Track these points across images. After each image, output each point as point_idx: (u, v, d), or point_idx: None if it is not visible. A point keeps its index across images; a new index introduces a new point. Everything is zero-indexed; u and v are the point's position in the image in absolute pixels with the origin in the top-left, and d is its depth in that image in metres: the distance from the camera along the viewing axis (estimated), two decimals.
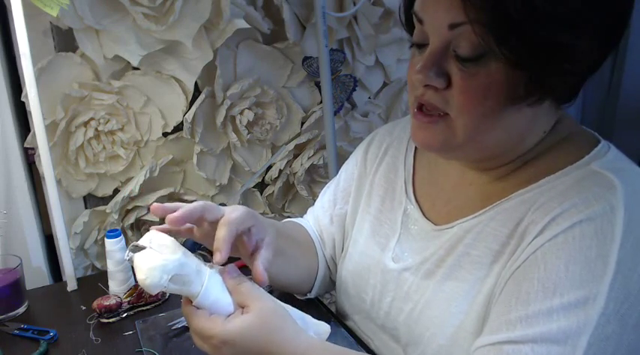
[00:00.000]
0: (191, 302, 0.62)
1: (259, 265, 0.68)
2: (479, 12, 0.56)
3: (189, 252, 0.62)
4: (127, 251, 0.60)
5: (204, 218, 0.67)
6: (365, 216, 0.85)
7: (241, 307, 0.63)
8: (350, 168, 0.91)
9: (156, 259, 0.58)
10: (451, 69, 0.61)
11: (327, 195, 0.94)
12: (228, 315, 0.62)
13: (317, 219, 0.94)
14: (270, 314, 0.62)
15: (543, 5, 0.54)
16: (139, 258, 0.58)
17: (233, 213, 0.67)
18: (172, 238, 0.62)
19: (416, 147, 0.83)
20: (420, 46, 0.64)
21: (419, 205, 0.78)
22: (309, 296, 0.92)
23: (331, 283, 0.95)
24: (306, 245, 0.91)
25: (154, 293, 0.59)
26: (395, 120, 0.93)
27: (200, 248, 1.03)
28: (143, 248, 0.60)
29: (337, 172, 0.95)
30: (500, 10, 0.54)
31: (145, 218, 1.32)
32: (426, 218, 0.76)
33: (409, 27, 0.70)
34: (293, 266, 0.86)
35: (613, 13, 0.58)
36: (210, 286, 0.61)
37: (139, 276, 0.58)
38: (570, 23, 0.56)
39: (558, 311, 0.55)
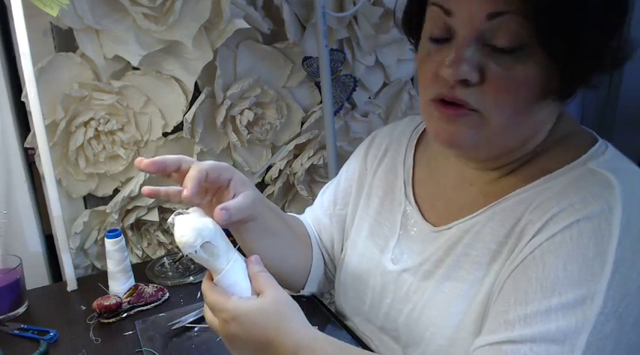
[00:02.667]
0: (211, 279, 0.64)
1: (221, 205, 0.66)
2: (525, 2, 0.55)
3: (224, 234, 0.64)
4: (172, 216, 0.63)
5: (181, 169, 0.68)
6: (364, 217, 0.85)
7: (257, 294, 0.63)
8: (351, 168, 0.91)
9: (196, 222, 0.61)
10: (485, 62, 0.59)
11: (326, 195, 0.93)
12: None
13: (316, 218, 0.93)
14: (283, 303, 0.63)
15: (592, 1, 0.54)
16: (180, 219, 0.62)
17: (211, 161, 0.69)
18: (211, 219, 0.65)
19: (416, 149, 0.83)
20: (440, 41, 0.62)
21: (418, 206, 0.78)
22: (302, 292, 0.91)
23: (327, 282, 0.94)
24: (301, 236, 0.91)
25: (186, 252, 0.60)
26: (395, 122, 0.93)
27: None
28: (186, 214, 0.63)
29: (337, 172, 0.95)
30: (549, 2, 0.54)
31: (145, 218, 1.32)
32: (425, 219, 0.76)
33: (411, 22, 0.69)
34: (285, 251, 0.84)
35: (625, 7, 0.59)
36: (234, 267, 0.63)
37: (178, 233, 0.60)
38: (610, 18, 0.56)
39: (557, 310, 0.55)
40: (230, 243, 0.64)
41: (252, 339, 0.61)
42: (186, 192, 0.64)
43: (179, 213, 0.63)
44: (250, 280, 0.64)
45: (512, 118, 0.61)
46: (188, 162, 0.69)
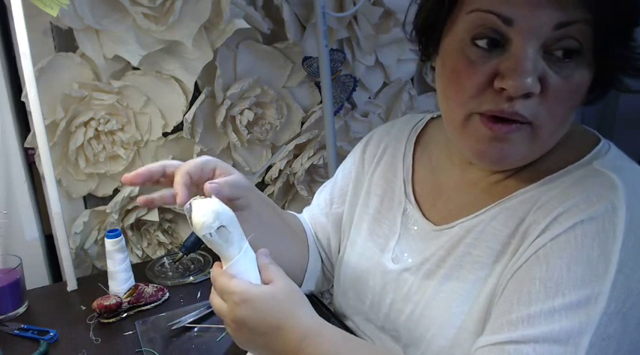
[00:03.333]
0: (221, 268, 0.64)
1: (209, 181, 0.67)
2: (591, 11, 0.54)
3: (238, 223, 0.65)
4: (190, 200, 0.63)
5: (167, 174, 0.70)
6: (363, 217, 0.85)
7: (266, 284, 0.64)
8: (347, 167, 0.91)
9: (216, 205, 0.62)
10: (546, 72, 0.57)
11: (323, 194, 0.93)
12: None
13: (312, 217, 0.93)
14: (293, 291, 0.64)
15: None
16: (200, 202, 0.62)
17: (191, 160, 0.70)
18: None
19: (415, 147, 0.83)
20: (487, 49, 0.59)
21: (418, 205, 0.78)
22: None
23: (326, 281, 0.94)
24: (298, 232, 0.90)
25: (201, 233, 0.61)
26: (393, 120, 0.93)
27: (200, 247, 1.03)
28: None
29: None
30: (618, 10, 0.54)
31: (145, 218, 1.32)
32: (426, 218, 0.76)
33: (432, 30, 0.65)
34: (281, 245, 0.84)
35: None
36: (245, 257, 0.64)
37: (197, 214, 0.61)
38: None
39: (560, 311, 0.55)
40: (243, 233, 0.65)
41: (262, 323, 0.61)
42: (179, 200, 0.65)
43: (197, 198, 0.64)
44: (260, 271, 0.65)
45: (559, 126, 0.61)
46: (172, 167, 0.70)
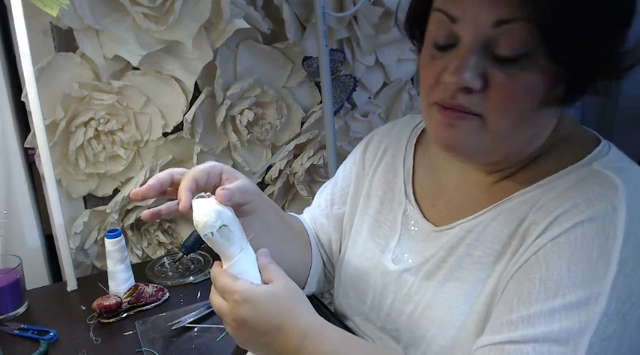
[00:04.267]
0: (221, 267, 0.65)
1: (221, 187, 0.68)
2: (531, 9, 0.55)
3: (239, 222, 0.65)
4: (193, 199, 0.64)
5: (174, 182, 0.70)
6: (363, 217, 0.85)
7: (266, 283, 0.64)
8: (348, 168, 0.91)
9: (217, 205, 0.63)
10: (488, 69, 0.59)
11: (324, 195, 0.93)
12: None
13: (313, 218, 0.93)
14: (294, 291, 0.64)
15: (601, 7, 0.54)
16: (201, 201, 0.63)
17: (197, 166, 0.71)
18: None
19: (415, 147, 0.83)
20: (444, 46, 0.62)
21: (419, 206, 0.78)
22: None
23: (327, 282, 0.94)
24: (300, 234, 0.91)
25: (203, 233, 0.62)
26: (393, 121, 0.93)
27: (200, 247, 1.03)
28: (207, 197, 0.65)
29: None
30: (555, 10, 0.54)
31: None
32: (426, 218, 0.76)
33: (414, 25, 0.69)
34: (284, 248, 0.84)
35: (630, 13, 0.59)
36: (246, 256, 0.64)
37: (199, 213, 0.62)
38: (617, 25, 0.56)
39: (560, 311, 0.55)
40: (244, 233, 0.65)
41: (263, 322, 0.61)
42: (181, 206, 0.65)
43: (200, 196, 0.64)
44: (260, 270, 0.65)
45: (514, 125, 0.61)
46: (179, 174, 0.71)
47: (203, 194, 0.65)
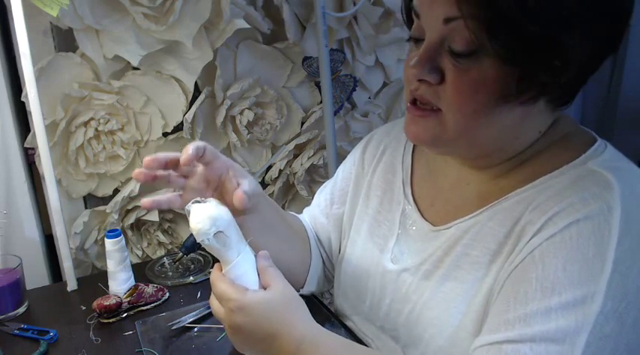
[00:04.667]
0: (221, 270, 0.65)
1: (240, 189, 0.69)
2: (472, 7, 0.56)
3: (237, 226, 0.65)
4: (189, 203, 0.64)
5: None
6: (363, 217, 0.85)
7: (264, 288, 0.65)
8: (347, 168, 0.91)
9: (212, 211, 0.62)
10: (445, 64, 0.61)
11: (323, 195, 0.93)
12: None
13: (313, 217, 0.93)
14: (290, 297, 0.64)
15: (535, 2, 0.54)
16: (197, 207, 0.63)
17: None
18: (227, 209, 0.66)
19: (414, 147, 0.83)
20: (417, 40, 0.65)
21: (417, 205, 0.78)
22: (301, 292, 0.91)
23: (326, 282, 0.94)
24: (300, 233, 0.91)
25: (199, 239, 0.62)
26: (393, 121, 0.93)
27: (200, 247, 1.03)
28: (204, 202, 0.65)
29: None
30: (492, 6, 0.55)
31: (145, 218, 1.32)
32: (424, 218, 0.76)
33: (409, 22, 0.69)
34: (284, 247, 0.84)
35: (609, 13, 0.58)
36: (244, 260, 0.65)
37: (193, 220, 0.62)
38: (562, 21, 0.56)
39: (557, 310, 0.55)
40: (242, 236, 0.66)
41: (258, 330, 0.62)
42: (185, 155, 0.65)
43: (196, 201, 0.64)
44: (258, 274, 0.65)
45: (471, 119, 0.62)
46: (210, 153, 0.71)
47: (199, 199, 0.65)
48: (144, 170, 0.69)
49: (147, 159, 0.68)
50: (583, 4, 0.56)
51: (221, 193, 0.73)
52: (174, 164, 0.70)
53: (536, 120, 0.65)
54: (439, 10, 0.59)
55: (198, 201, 0.64)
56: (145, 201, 0.70)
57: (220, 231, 0.62)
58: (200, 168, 0.72)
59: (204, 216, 0.61)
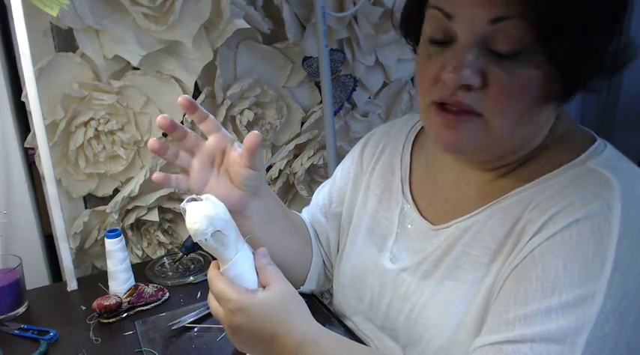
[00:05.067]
0: (218, 268, 0.64)
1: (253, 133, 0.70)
2: (521, 6, 0.55)
3: (235, 224, 0.64)
4: (184, 201, 0.62)
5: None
6: (362, 216, 0.85)
7: (263, 286, 0.64)
8: (346, 167, 0.91)
9: (209, 210, 0.61)
10: (487, 67, 0.59)
11: (322, 194, 0.93)
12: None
13: (312, 216, 0.93)
14: (289, 297, 0.64)
15: (593, 5, 0.54)
16: (193, 206, 0.61)
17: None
18: (224, 205, 0.65)
19: (413, 147, 0.83)
20: (440, 44, 0.62)
21: (416, 204, 0.78)
22: (301, 289, 0.91)
23: (326, 281, 0.94)
24: (302, 229, 0.91)
25: (196, 239, 0.61)
26: (392, 120, 0.93)
27: (200, 247, 1.03)
28: (200, 200, 0.63)
29: None
30: (550, 7, 0.54)
31: (145, 218, 1.32)
32: (423, 217, 0.76)
33: (409, 24, 0.69)
34: (286, 242, 0.84)
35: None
36: (242, 258, 0.64)
37: (190, 220, 0.61)
38: (609, 21, 0.56)
39: (557, 310, 0.55)
40: (240, 234, 0.65)
41: (257, 331, 0.61)
42: (181, 98, 0.68)
43: (192, 199, 0.63)
44: (257, 272, 0.65)
45: (515, 122, 0.61)
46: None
47: (195, 196, 0.63)
48: (159, 140, 0.71)
49: (161, 117, 0.71)
50: (622, 6, 0.57)
51: (226, 168, 0.73)
52: (179, 136, 0.74)
53: (550, 118, 0.66)
54: (485, 10, 0.57)
55: (194, 199, 0.63)
56: (157, 174, 0.72)
57: (218, 231, 0.61)
58: (204, 143, 0.74)
59: (201, 215, 0.60)
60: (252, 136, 0.69)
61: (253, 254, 0.66)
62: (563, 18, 0.54)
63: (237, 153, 0.73)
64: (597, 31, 0.57)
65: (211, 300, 0.65)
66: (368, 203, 0.84)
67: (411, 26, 0.70)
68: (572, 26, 0.55)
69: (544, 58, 0.57)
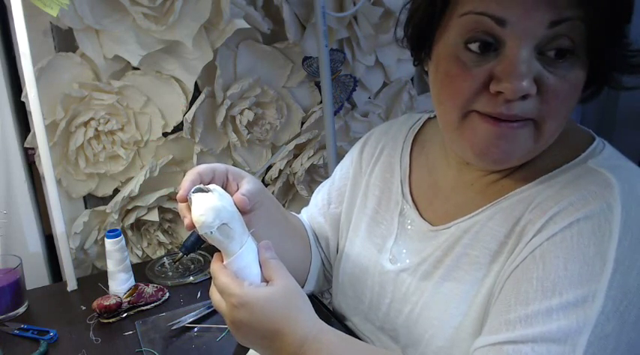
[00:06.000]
0: (221, 260, 0.63)
1: (239, 192, 0.67)
2: (585, 8, 0.54)
3: (241, 217, 0.63)
4: (191, 191, 0.62)
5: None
6: (361, 217, 0.85)
7: (267, 281, 0.63)
8: (345, 167, 0.91)
9: (215, 202, 0.60)
10: (541, 72, 0.57)
11: (321, 194, 0.93)
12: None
13: (311, 217, 0.93)
14: (292, 293, 0.63)
15: (627, 4, 0.55)
16: (200, 197, 0.61)
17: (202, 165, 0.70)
18: (230, 196, 0.64)
19: (412, 147, 0.83)
20: (482, 51, 0.59)
21: (415, 205, 0.78)
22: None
23: (325, 282, 0.94)
24: (301, 232, 0.90)
25: (202, 232, 0.60)
26: (390, 120, 0.93)
27: (200, 247, 1.03)
28: (206, 191, 0.62)
29: None
30: (607, 7, 0.54)
31: (145, 218, 1.32)
32: (423, 218, 0.76)
33: (424, 31, 0.65)
34: (286, 244, 0.84)
35: None
36: (247, 251, 0.63)
37: (196, 212, 0.60)
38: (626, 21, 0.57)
39: (558, 310, 0.55)
40: (245, 227, 0.64)
41: (260, 327, 0.61)
42: (179, 195, 0.64)
43: (199, 189, 0.62)
44: (260, 266, 0.64)
45: (561, 124, 0.61)
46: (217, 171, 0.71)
47: (202, 186, 0.63)
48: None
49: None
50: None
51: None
52: None
53: None
54: (545, 13, 0.55)
55: (201, 189, 0.62)
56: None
57: (224, 223, 0.60)
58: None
59: (208, 208, 0.59)
60: (239, 201, 0.66)
61: (258, 247, 0.65)
62: (613, 19, 0.55)
63: (232, 189, 0.71)
64: (622, 32, 0.57)
65: (214, 293, 0.64)
66: (367, 203, 0.84)
67: (424, 36, 0.66)
68: (614, 27, 0.56)
69: (587, 59, 0.57)
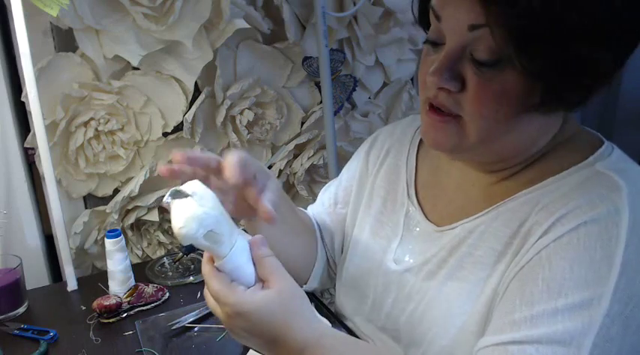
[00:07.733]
0: (212, 261, 0.60)
1: (264, 201, 0.66)
2: (500, 16, 0.54)
3: (225, 211, 0.59)
4: (167, 195, 0.56)
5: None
6: (366, 218, 0.85)
7: (262, 281, 0.61)
8: (352, 168, 0.91)
9: (196, 210, 0.55)
10: (466, 72, 0.59)
11: (327, 194, 0.93)
12: (248, 286, 0.60)
13: (317, 215, 0.93)
14: (290, 296, 0.60)
15: (569, 16, 0.53)
16: (179, 205, 0.55)
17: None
18: (213, 193, 0.59)
19: (418, 149, 0.83)
20: (435, 44, 0.63)
21: (421, 207, 0.78)
22: (305, 288, 0.90)
23: (329, 280, 0.94)
24: (309, 226, 0.90)
25: (185, 243, 0.56)
26: (396, 121, 0.93)
27: None
28: (184, 195, 0.56)
29: (337, 172, 0.95)
30: (523, 18, 0.53)
31: (145, 218, 1.32)
32: (428, 219, 0.76)
33: (423, 21, 0.68)
34: (294, 239, 0.83)
35: (634, 25, 0.57)
36: (238, 252, 0.59)
37: (176, 224, 0.55)
38: (593, 36, 0.54)
39: (563, 311, 0.55)
40: (234, 225, 0.60)
41: (258, 335, 0.59)
42: (233, 180, 0.62)
43: (176, 192, 0.56)
44: (255, 264, 0.61)
45: (492, 128, 0.61)
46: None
47: (179, 188, 0.56)
48: (173, 166, 0.64)
49: (189, 156, 0.64)
50: (613, 18, 0.55)
51: (242, 195, 0.69)
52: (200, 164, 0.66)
53: (553, 123, 0.65)
54: (464, 16, 0.57)
55: (179, 192, 0.56)
56: (163, 168, 0.64)
57: (210, 230, 0.55)
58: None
59: (188, 218, 0.54)
60: (265, 215, 0.66)
61: (250, 243, 0.61)
62: (537, 31, 0.53)
63: (257, 188, 0.69)
64: (579, 49, 0.55)
65: (209, 298, 0.61)
66: (372, 204, 0.84)
67: (423, 24, 0.69)
68: (548, 40, 0.54)
69: (520, 69, 0.56)
